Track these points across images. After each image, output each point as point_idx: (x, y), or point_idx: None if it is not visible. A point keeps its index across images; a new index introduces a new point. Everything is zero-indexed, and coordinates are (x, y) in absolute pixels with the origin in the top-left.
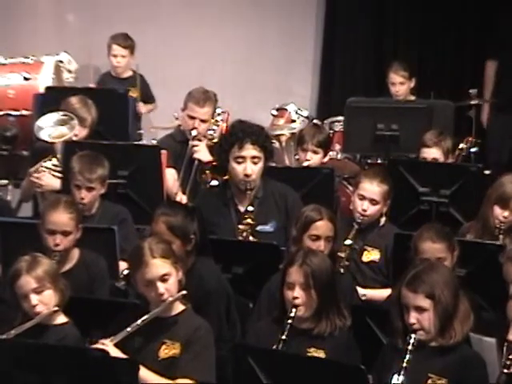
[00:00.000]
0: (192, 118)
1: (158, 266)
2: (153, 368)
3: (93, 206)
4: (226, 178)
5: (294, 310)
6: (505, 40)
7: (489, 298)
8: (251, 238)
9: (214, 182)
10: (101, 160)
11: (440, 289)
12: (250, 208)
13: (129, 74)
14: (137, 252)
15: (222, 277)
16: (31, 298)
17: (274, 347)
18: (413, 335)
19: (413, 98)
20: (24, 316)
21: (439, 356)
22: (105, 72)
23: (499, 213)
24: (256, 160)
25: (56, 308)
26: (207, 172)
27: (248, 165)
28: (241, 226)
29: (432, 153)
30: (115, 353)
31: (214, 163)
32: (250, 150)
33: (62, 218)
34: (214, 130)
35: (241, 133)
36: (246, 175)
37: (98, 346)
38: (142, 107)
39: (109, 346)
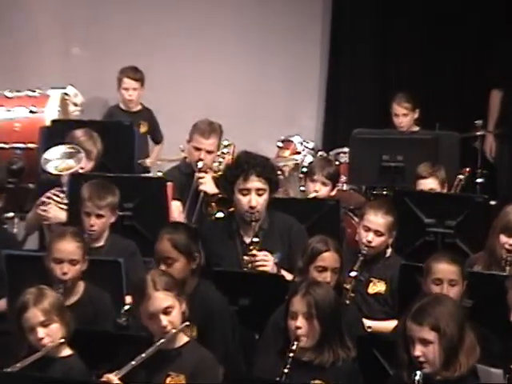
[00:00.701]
0: (198, 149)
1: (161, 298)
2: None
3: (102, 235)
4: (231, 209)
5: (295, 342)
6: (510, 68)
7: (496, 328)
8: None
9: (220, 214)
10: (111, 188)
11: (445, 321)
12: (256, 239)
13: (138, 107)
14: (140, 285)
15: (224, 299)
16: (38, 331)
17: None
18: (418, 372)
19: (417, 128)
20: (29, 348)
21: None
22: (113, 105)
23: (505, 241)
24: (261, 192)
25: (62, 340)
26: (213, 204)
27: (253, 197)
28: (246, 258)
29: (429, 183)
30: None
31: (220, 195)
32: (254, 182)
33: (69, 246)
34: (219, 162)
35: (246, 164)
36: (251, 207)
37: (104, 380)
38: (152, 152)
39: (114, 380)
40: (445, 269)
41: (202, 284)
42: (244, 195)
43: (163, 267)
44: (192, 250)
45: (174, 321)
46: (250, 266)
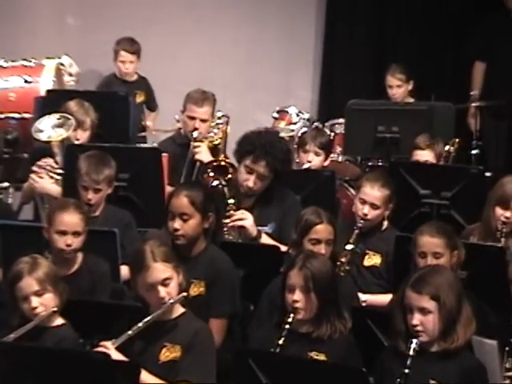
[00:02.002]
0: (192, 118)
1: (160, 270)
2: (153, 371)
3: (99, 206)
4: (227, 178)
5: (291, 315)
6: (493, 40)
7: (490, 300)
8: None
9: (216, 183)
10: (107, 160)
11: (445, 292)
12: (231, 201)
13: (134, 77)
14: (138, 256)
15: (232, 262)
16: (32, 300)
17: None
18: (414, 340)
19: (411, 100)
20: (21, 318)
21: (440, 361)
22: (109, 74)
23: (500, 213)
24: (263, 178)
25: (55, 309)
26: (209, 173)
27: (254, 178)
28: (225, 221)
29: (425, 155)
30: (116, 356)
31: (216, 164)
32: (261, 168)
33: (73, 218)
34: (215, 132)
35: (261, 148)
36: (248, 186)
37: (100, 349)
38: (148, 118)
39: (110, 349)
40: (428, 242)
41: (210, 247)
42: (247, 172)
43: (178, 222)
44: (207, 209)
45: (171, 292)
46: (230, 226)
